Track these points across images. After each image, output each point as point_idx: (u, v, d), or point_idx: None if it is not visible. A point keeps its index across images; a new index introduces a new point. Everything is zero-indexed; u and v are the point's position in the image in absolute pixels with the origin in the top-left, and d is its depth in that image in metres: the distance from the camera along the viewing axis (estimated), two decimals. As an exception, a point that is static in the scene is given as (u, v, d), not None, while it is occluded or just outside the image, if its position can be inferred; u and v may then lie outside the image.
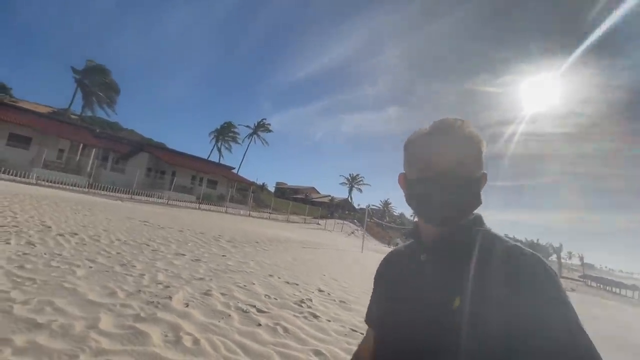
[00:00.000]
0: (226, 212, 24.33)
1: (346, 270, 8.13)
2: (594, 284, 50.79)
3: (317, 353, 2.66)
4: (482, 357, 0.54)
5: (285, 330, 3.01)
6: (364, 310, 0.94)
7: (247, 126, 51.12)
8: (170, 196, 23.16)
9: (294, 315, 3.49)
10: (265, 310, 3.48)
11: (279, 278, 5.19)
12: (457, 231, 0.67)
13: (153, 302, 3.06)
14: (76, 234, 5.58)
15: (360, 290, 5.59)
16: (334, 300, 4.54)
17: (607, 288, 47.00)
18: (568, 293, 0.57)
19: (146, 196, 21.58)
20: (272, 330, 2.96)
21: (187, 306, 3.14)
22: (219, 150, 48.87)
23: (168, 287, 3.63)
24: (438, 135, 0.68)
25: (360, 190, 66.75)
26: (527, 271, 0.57)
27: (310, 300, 4.20)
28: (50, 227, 5.73)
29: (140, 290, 3.33)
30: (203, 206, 24.06)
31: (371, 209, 58.22)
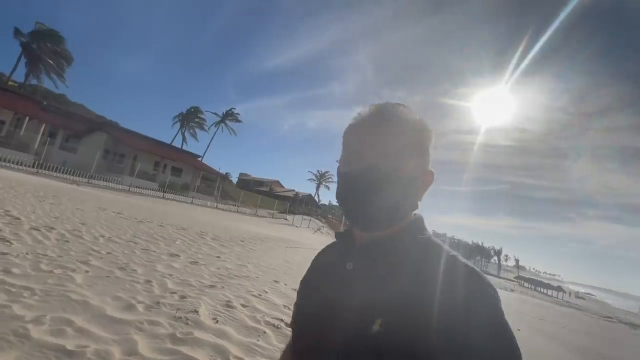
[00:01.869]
0: (192, 203, 23.13)
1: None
2: (526, 284, 56.52)
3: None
4: None
5: (324, 348, 2.91)
6: None
7: (215, 113, 48.35)
8: (132, 183, 21.45)
9: (322, 330, 3.38)
10: (294, 324, 3.33)
11: (286, 284, 5.01)
12: (388, 237, 0.56)
13: (181, 317, 2.77)
14: (53, 228, 4.91)
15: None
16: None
17: (538, 289, 52.63)
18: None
19: (105, 181, 19.74)
20: (312, 349, 2.83)
21: (217, 322, 2.89)
22: (183, 135, 46.06)
23: (184, 297, 3.32)
24: (371, 122, 0.56)
25: (328, 188, 67.03)
26: (465, 292, 0.47)
27: (327, 311, 4.12)
28: (19, 218, 4.98)
29: (158, 302, 3.01)
30: (167, 195, 22.61)
31: (333, 205, 59.05)
